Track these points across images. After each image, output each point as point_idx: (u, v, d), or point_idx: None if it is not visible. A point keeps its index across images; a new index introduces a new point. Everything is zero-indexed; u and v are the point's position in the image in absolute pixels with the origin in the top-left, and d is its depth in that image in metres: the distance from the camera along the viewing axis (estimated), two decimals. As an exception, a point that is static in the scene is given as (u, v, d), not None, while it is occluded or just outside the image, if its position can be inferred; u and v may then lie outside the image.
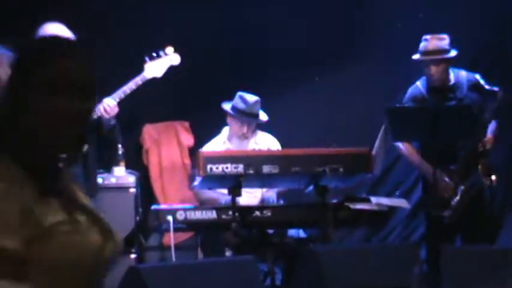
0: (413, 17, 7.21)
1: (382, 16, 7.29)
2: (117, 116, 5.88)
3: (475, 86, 6.21)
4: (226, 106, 6.47)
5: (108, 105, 5.76)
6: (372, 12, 7.31)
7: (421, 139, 6.17)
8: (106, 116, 5.77)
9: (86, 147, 5.72)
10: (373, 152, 5.93)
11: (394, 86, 7.01)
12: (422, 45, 6.20)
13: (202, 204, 6.28)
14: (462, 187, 6.07)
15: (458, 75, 6.26)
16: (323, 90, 7.36)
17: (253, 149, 6.36)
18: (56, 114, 2.04)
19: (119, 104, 5.81)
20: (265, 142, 6.51)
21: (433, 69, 6.16)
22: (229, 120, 6.48)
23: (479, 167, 6.08)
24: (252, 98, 6.41)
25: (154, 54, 6.04)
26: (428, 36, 6.21)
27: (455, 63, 6.29)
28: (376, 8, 7.32)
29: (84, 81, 2.09)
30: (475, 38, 7.19)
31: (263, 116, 6.46)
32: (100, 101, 5.81)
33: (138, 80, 5.91)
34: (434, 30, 6.27)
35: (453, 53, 6.19)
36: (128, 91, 5.86)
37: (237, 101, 6.42)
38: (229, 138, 6.50)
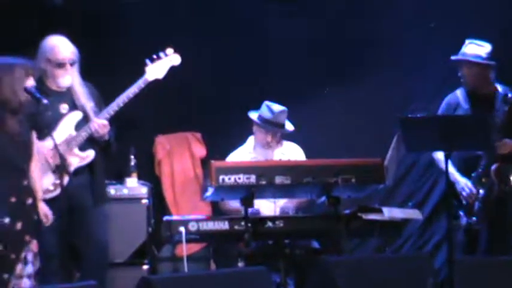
0: (424, 27, 7.19)
1: (394, 27, 7.26)
2: (110, 132, 5.85)
3: (504, 98, 6.20)
4: (253, 115, 6.47)
5: (97, 124, 5.75)
6: (383, 23, 7.28)
7: (434, 149, 6.14)
8: (96, 134, 5.76)
9: (93, 156, 5.76)
10: (385, 163, 5.91)
11: (407, 96, 6.99)
12: (462, 49, 6.24)
13: (226, 215, 6.27)
14: (482, 192, 6.07)
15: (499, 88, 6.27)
16: (335, 101, 7.34)
17: (268, 159, 6.34)
18: None
19: (123, 108, 5.81)
20: (291, 152, 6.50)
21: (465, 71, 6.22)
22: (254, 128, 6.48)
23: (495, 172, 6.08)
24: (278, 107, 6.42)
25: (154, 56, 6.05)
26: (468, 41, 6.25)
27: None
28: (387, 19, 7.29)
29: None
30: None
31: (289, 126, 6.46)
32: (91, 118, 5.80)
33: (140, 84, 5.92)
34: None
35: (488, 61, 6.19)
36: (131, 95, 5.86)
37: (263, 110, 6.43)
38: (255, 147, 6.50)
